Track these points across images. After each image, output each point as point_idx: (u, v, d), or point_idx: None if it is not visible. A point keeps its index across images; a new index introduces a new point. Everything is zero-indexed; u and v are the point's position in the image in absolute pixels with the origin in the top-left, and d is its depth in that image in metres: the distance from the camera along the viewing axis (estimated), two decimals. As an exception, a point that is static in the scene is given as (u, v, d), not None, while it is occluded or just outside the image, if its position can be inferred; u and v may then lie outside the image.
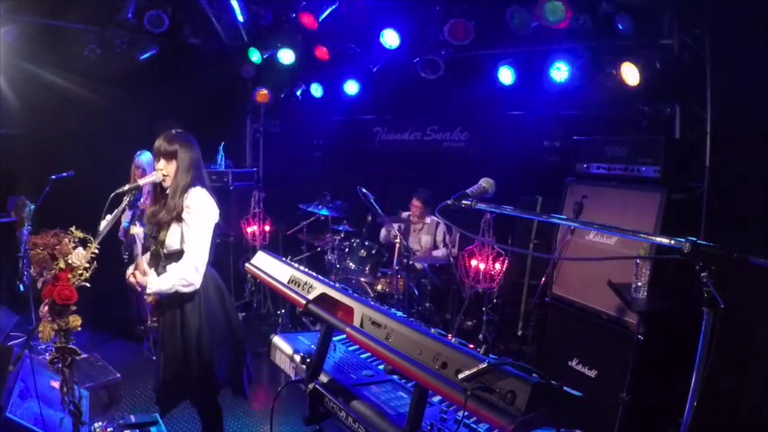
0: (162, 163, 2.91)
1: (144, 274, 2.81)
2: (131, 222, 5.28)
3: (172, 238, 2.85)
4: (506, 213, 2.01)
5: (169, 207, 2.87)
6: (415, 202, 5.68)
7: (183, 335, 2.87)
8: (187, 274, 2.77)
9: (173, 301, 2.86)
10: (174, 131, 3.00)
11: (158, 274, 2.83)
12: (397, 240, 5.24)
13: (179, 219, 2.84)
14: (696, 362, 1.51)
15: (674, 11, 4.10)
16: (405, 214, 5.76)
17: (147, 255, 3.00)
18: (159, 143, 2.93)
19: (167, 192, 2.94)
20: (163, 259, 2.86)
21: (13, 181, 6.02)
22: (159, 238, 2.86)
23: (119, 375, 4.28)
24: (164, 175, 2.91)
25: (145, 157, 5.25)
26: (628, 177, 3.82)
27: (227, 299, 3.06)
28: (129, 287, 5.45)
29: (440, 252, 5.75)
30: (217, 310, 2.97)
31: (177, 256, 2.83)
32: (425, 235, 5.84)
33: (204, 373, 2.89)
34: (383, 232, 5.93)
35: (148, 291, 2.78)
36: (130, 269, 2.98)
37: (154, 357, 3.14)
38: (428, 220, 5.78)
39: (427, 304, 5.34)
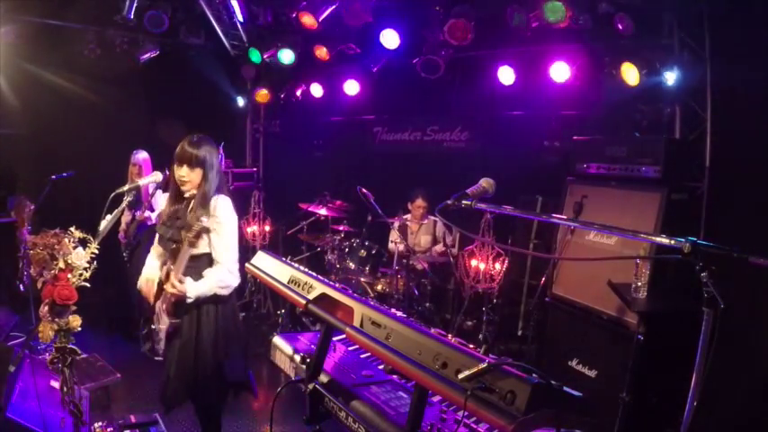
0: (185, 169, 2.88)
1: (181, 282, 2.80)
2: (131, 224, 5.30)
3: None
4: (506, 213, 2.01)
5: (194, 218, 2.85)
6: (420, 203, 5.65)
7: (198, 334, 2.92)
8: (224, 277, 2.89)
9: (191, 303, 2.89)
10: (196, 137, 2.95)
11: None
12: (397, 241, 5.24)
13: (206, 229, 2.85)
14: (696, 362, 1.51)
15: (674, 11, 4.10)
16: (403, 218, 5.73)
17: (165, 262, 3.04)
18: (186, 149, 2.88)
19: (186, 196, 2.94)
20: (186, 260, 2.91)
21: (13, 181, 6.03)
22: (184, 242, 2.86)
23: (119, 375, 4.28)
24: (183, 181, 2.89)
25: (141, 155, 5.27)
26: (628, 177, 3.82)
27: (234, 299, 3.14)
28: (128, 286, 5.46)
29: (438, 247, 5.74)
30: (230, 310, 3.05)
31: (199, 258, 2.89)
32: (424, 234, 5.84)
33: (217, 371, 2.95)
34: (392, 246, 5.85)
35: (189, 296, 2.81)
36: (147, 278, 3.01)
37: (156, 358, 3.15)
38: (425, 219, 5.78)
39: (427, 304, 5.34)
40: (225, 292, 2.93)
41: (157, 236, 3.08)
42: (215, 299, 2.93)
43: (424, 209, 5.68)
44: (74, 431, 2.62)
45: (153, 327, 3.11)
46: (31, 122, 5.99)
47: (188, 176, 2.89)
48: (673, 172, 3.66)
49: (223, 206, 2.92)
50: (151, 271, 3.09)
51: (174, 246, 2.90)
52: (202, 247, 2.89)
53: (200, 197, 2.90)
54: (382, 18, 5.36)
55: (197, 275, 2.88)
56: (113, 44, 6.04)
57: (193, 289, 2.82)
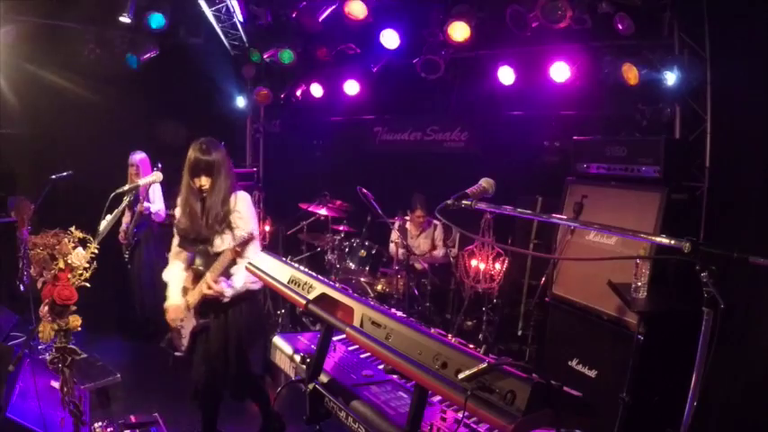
0: (204, 179, 2.99)
1: (216, 282, 2.98)
2: (131, 224, 5.30)
3: (220, 240, 3.03)
4: (506, 213, 2.00)
5: (214, 216, 2.99)
6: (420, 213, 5.63)
7: (226, 333, 3.09)
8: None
9: (219, 301, 3.06)
10: (204, 144, 3.03)
11: (208, 270, 3.02)
12: (398, 241, 5.24)
13: (228, 225, 3.02)
14: (696, 362, 1.51)
15: (673, 11, 4.10)
16: (403, 218, 5.73)
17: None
18: (200, 159, 2.97)
19: (204, 199, 3.04)
20: (212, 256, 3.05)
21: (13, 181, 6.03)
22: (212, 242, 3.03)
23: (119, 375, 4.28)
24: (205, 190, 3.00)
25: (138, 155, 5.28)
26: (628, 177, 3.81)
27: (260, 295, 3.39)
28: (129, 286, 5.46)
29: (439, 252, 5.74)
30: (257, 307, 3.28)
31: (223, 254, 3.02)
32: (424, 238, 5.83)
33: (242, 366, 3.14)
34: (392, 246, 5.85)
35: (227, 296, 2.99)
36: (175, 306, 3.13)
37: (177, 353, 3.29)
38: (425, 226, 5.78)
39: (427, 304, 5.34)
40: (256, 286, 3.07)
41: (179, 238, 3.17)
42: (245, 296, 3.08)
43: (423, 218, 5.67)
44: (74, 431, 2.62)
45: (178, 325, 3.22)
46: (31, 122, 5.99)
47: (208, 184, 2.99)
48: (673, 172, 3.66)
49: (243, 202, 3.09)
50: (177, 295, 3.16)
51: (201, 246, 3.06)
52: (225, 243, 3.02)
53: (213, 201, 2.99)
54: (382, 18, 5.35)
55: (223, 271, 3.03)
56: (113, 44, 6.03)
57: (230, 289, 2.97)
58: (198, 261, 3.15)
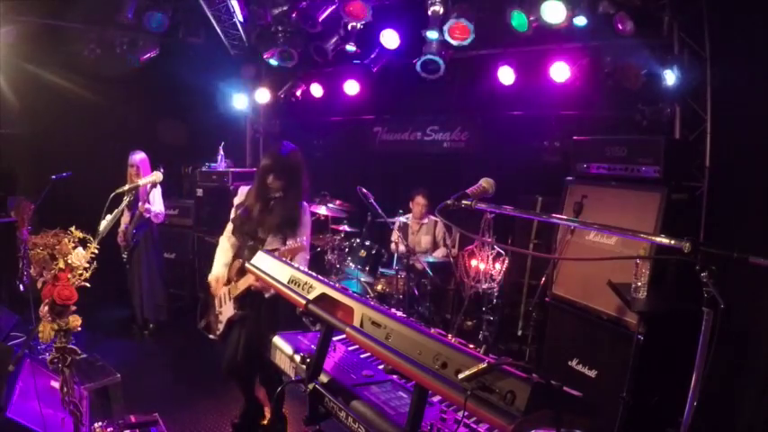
0: (271, 178, 3.27)
1: None
2: (130, 225, 5.30)
3: (272, 239, 3.26)
4: (506, 213, 2.01)
5: (275, 219, 3.26)
6: (421, 200, 5.65)
7: (258, 324, 3.28)
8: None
9: (257, 297, 3.28)
10: (286, 150, 3.32)
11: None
12: (398, 241, 5.23)
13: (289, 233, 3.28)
14: (696, 362, 1.51)
15: (673, 11, 4.10)
16: (402, 218, 5.73)
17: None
18: (274, 161, 3.30)
19: (272, 201, 3.31)
20: None
21: (13, 181, 6.03)
22: (264, 241, 3.26)
23: (119, 375, 4.27)
24: (271, 188, 3.28)
25: (138, 155, 5.28)
26: (628, 177, 3.81)
27: None
28: (128, 286, 5.47)
29: (440, 252, 5.74)
30: (284, 301, 3.40)
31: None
32: (425, 235, 5.83)
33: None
34: (392, 246, 5.85)
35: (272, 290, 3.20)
36: (217, 277, 3.40)
37: (212, 336, 3.57)
38: (426, 219, 5.77)
39: (427, 304, 5.34)
40: None
41: (233, 226, 3.42)
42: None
43: (424, 206, 5.67)
44: (74, 431, 2.62)
45: (217, 310, 3.44)
46: (31, 122, 5.99)
47: (273, 184, 3.28)
48: (673, 172, 3.65)
49: (305, 214, 3.36)
50: (220, 269, 3.44)
51: (252, 243, 3.26)
52: (275, 244, 3.21)
53: (280, 203, 3.25)
54: (382, 18, 5.35)
55: None
56: (113, 44, 6.04)
57: None
58: (247, 255, 3.27)
